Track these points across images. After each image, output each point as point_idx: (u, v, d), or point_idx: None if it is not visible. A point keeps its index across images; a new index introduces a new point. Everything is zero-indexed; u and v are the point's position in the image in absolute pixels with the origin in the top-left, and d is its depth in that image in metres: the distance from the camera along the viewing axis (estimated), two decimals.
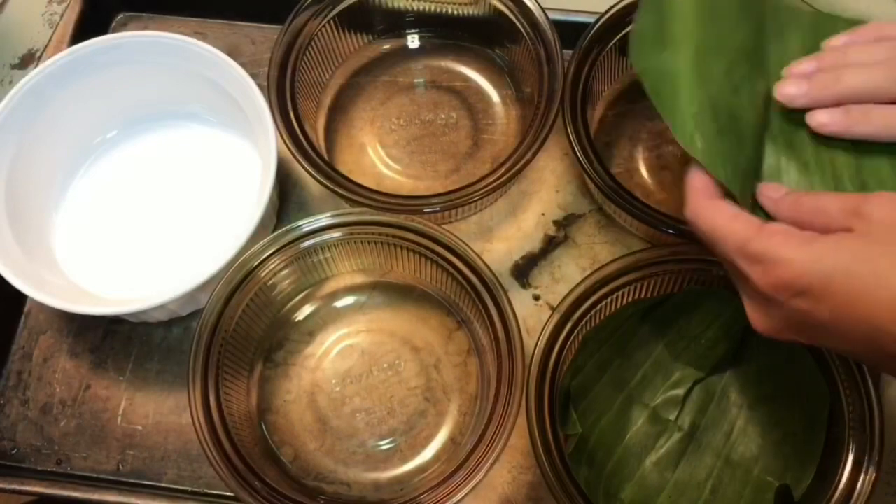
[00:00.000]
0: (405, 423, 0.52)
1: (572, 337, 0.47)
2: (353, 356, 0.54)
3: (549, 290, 0.55)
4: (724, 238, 0.37)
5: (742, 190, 0.40)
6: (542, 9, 0.54)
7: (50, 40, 0.63)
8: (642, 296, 0.50)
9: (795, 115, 0.42)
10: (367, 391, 0.53)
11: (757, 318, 0.38)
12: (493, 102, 0.61)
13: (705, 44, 0.44)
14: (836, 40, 0.41)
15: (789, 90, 0.41)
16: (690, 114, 0.42)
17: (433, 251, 0.50)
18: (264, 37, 0.64)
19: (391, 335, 0.54)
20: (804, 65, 0.41)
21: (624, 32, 0.55)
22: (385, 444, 0.52)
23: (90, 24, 0.64)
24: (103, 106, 0.58)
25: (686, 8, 0.45)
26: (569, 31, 0.53)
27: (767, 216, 0.40)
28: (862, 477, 0.43)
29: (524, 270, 0.56)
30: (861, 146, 0.41)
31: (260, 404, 0.53)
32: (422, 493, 0.44)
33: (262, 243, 0.50)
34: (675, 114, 0.42)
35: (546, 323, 0.47)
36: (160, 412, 0.54)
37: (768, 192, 0.39)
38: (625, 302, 0.50)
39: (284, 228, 0.50)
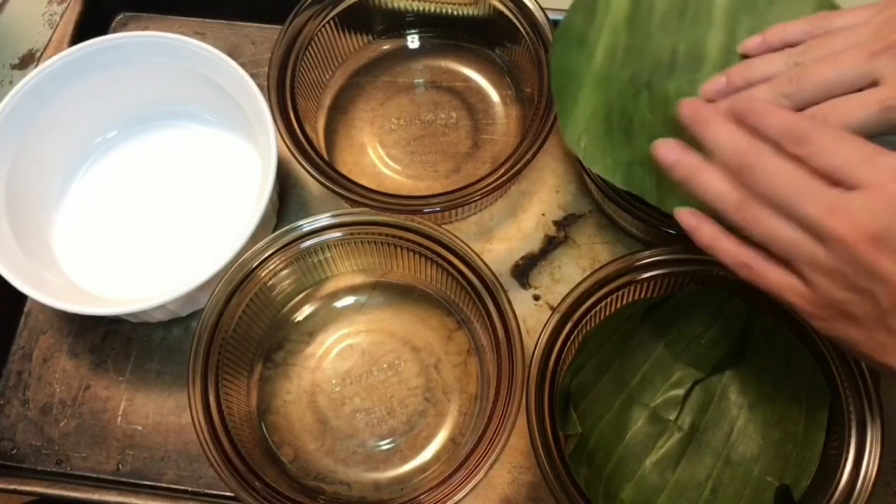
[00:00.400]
0: (405, 423, 0.52)
1: (572, 337, 0.47)
2: (353, 356, 0.54)
3: (549, 290, 0.55)
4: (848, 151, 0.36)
5: (625, 178, 0.47)
6: (542, 9, 0.54)
7: (50, 40, 0.63)
8: (642, 296, 0.50)
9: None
10: (367, 391, 0.53)
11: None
12: (493, 102, 0.61)
13: (616, 50, 0.49)
14: (752, 42, 0.44)
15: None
16: (583, 116, 0.48)
17: (433, 251, 0.50)
18: (264, 37, 0.64)
19: (391, 335, 0.54)
20: (715, 84, 0.44)
21: None
22: (385, 444, 0.52)
23: (90, 24, 0.64)
24: (103, 106, 0.58)
25: (609, 16, 0.50)
26: None
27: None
28: (862, 477, 0.43)
29: (524, 270, 0.56)
30: None
31: (260, 404, 0.53)
32: (422, 493, 0.44)
33: (262, 243, 0.50)
34: (570, 114, 0.48)
35: (546, 323, 0.47)
36: (160, 412, 0.54)
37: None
38: (625, 302, 0.50)
39: (284, 228, 0.50)
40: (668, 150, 0.41)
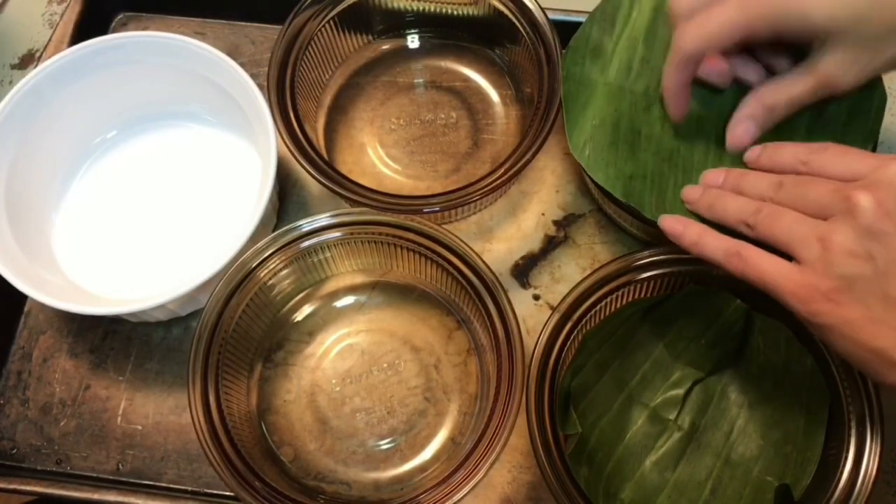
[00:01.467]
0: (405, 422, 0.52)
1: (572, 337, 0.47)
2: (353, 356, 0.54)
3: (549, 290, 0.55)
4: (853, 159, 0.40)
5: (625, 191, 0.48)
6: (542, 9, 0.54)
7: (50, 40, 0.63)
8: (642, 296, 0.50)
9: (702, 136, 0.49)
10: (367, 391, 0.53)
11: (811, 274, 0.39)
12: (493, 102, 0.61)
13: (632, 62, 0.51)
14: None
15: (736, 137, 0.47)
16: (591, 125, 0.49)
17: (433, 251, 0.50)
18: (264, 37, 0.64)
19: (391, 335, 0.54)
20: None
21: None
22: (385, 444, 0.52)
23: (90, 24, 0.64)
24: (103, 106, 0.58)
25: (629, 29, 0.51)
26: (569, 31, 0.53)
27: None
28: (862, 477, 0.43)
29: (524, 270, 0.56)
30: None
31: (260, 404, 0.53)
32: (422, 493, 0.44)
33: (262, 243, 0.50)
34: (578, 121, 0.50)
35: (546, 323, 0.47)
36: (160, 412, 0.54)
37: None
38: (625, 302, 0.50)
39: (284, 228, 0.50)
40: (693, 189, 0.47)
